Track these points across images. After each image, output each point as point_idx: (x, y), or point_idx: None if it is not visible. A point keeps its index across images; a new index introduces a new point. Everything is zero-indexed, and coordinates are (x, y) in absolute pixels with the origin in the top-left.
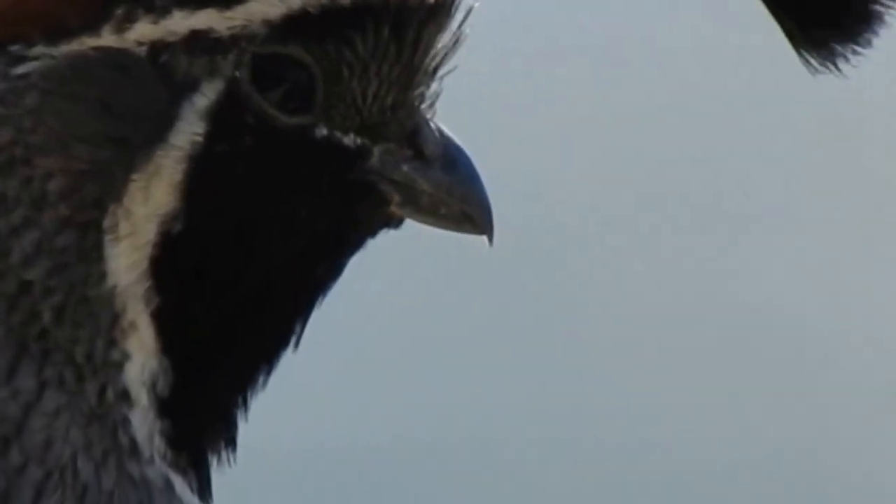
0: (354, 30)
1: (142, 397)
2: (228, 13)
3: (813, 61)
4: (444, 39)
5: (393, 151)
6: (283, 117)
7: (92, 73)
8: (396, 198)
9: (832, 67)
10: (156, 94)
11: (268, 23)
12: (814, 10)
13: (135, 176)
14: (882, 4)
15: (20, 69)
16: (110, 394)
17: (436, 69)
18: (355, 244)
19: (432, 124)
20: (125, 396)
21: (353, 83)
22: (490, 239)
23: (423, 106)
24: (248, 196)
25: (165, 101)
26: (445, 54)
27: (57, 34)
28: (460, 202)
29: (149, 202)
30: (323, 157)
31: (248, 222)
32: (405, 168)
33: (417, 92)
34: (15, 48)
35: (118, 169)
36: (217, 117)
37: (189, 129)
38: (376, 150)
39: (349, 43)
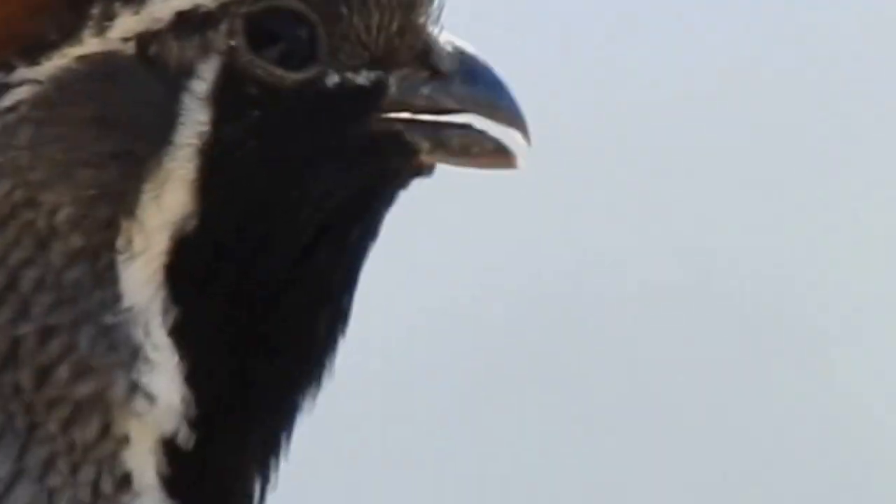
0: None
1: (152, 472)
2: None
3: None
4: None
5: (409, 76)
6: (291, 74)
7: (82, 88)
8: (426, 145)
9: None
10: (152, 93)
11: None
12: None
13: (146, 186)
14: None
15: (5, 101)
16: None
17: None
18: (387, 202)
19: (443, 39)
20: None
21: (355, 19)
22: (529, 141)
23: (430, 22)
24: (267, 174)
25: (163, 98)
26: None
27: (37, 51)
28: (488, 109)
29: (163, 210)
30: (340, 105)
31: (272, 202)
32: (425, 91)
33: (422, 9)
34: None
35: (128, 184)
36: (220, 99)
37: (194, 121)
38: (391, 80)
39: None
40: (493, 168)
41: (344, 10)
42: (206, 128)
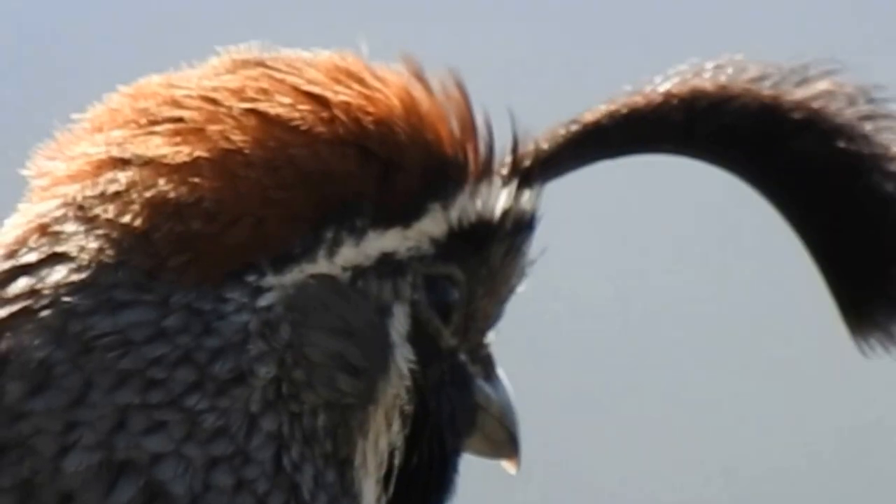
0: (493, 243)
1: None
2: (408, 232)
3: (865, 341)
4: (529, 253)
5: (479, 373)
6: (449, 340)
7: (321, 299)
8: (479, 422)
9: (884, 347)
10: (369, 320)
11: (434, 241)
12: (859, 280)
13: (374, 407)
14: None
15: (262, 301)
16: None
17: (518, 283)
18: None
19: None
20: None
21: (481, 302)
22: (518, 464)
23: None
24: (438, 410)
25: (377, 326)
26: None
27: (283, 262)
28: (510, 423)
29: (390, 432)
30: (462, 377)
31: (438, 427)
32: (487, 388)
33: (503, 306)
34: (251, 279)
35: (365, 400)
36: (415, 343)
37: (403, 357)
38: (475, 373)
39: (486, 259)
40: (497, 456)
41: (480, 290)
42: (413, 366)
